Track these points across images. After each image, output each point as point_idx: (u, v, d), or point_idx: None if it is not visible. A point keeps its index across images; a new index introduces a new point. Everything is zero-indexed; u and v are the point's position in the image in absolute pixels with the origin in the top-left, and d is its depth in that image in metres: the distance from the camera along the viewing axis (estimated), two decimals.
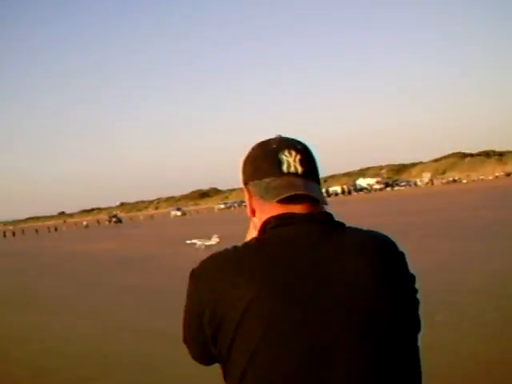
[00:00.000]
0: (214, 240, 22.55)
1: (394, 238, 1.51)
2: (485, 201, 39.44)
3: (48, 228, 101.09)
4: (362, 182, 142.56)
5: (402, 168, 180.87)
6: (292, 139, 1.55)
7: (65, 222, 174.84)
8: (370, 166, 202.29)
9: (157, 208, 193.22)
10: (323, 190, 1.71)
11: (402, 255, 1.49)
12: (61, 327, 10.98)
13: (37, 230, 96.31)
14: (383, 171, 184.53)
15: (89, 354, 8.48)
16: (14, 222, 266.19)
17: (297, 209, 1.45)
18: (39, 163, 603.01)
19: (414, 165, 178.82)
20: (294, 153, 1.47)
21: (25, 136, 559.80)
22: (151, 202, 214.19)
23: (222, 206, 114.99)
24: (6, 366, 8.29)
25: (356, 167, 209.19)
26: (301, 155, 1.49)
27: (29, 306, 13.96)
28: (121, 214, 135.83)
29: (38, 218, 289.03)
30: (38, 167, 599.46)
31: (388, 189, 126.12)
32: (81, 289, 16.22)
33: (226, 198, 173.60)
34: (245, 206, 1.56)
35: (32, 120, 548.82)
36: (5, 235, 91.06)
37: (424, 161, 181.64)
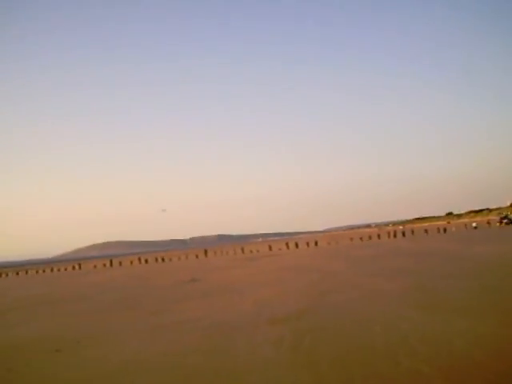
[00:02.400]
0: None
1: None
2: None
3: (438, 228, 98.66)
4: None
5: None
6: None
7: (448, 222, 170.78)
8: None
9: None
10: None
11: None
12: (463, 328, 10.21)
13: (426, 231, 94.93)
14: None
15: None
16: (403, 222, 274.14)
17: None
18: (428, 165, 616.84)
19: None
20: None
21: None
22: None
23: None
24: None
25: None
26: None
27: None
28: None
29: (424, 219, 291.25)
30: (425, 170, 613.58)
31: None
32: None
33: None
34: None
35: None
36: (395, 235, 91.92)
37: None
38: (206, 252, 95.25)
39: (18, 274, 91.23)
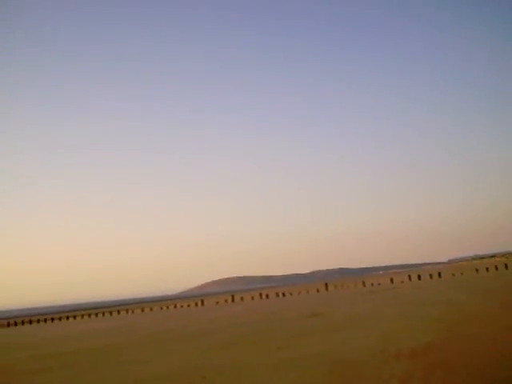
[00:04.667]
0: None
1: None
2: None
3: None
4: None
5: None
6: None
7: None
8: None
9: None
10: None
11: None
12: None
13: None
14: None
15: None
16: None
17: None
18: None
19: None
20: None
21: None
22: None
23: None
24: None
25: None
26: None
27: None
28: None
29: None
30: None
31: None
32: None
33: None
34: None
35: None
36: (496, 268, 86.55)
37: None
38: (326, 286, 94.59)
39: (143, 310, 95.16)
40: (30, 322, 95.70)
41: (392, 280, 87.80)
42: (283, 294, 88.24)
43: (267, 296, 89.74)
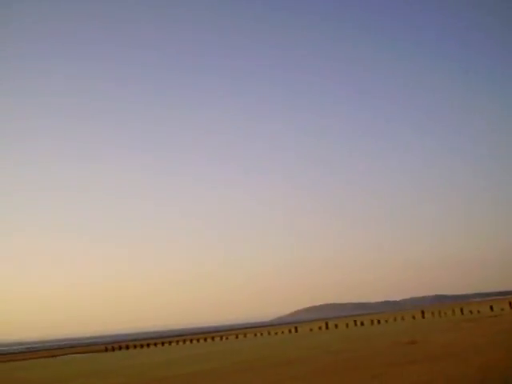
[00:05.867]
0: None
1: None
2: None
3: None
4: None
5: None
6: None
7: None
8: None
9: None
10: None
11: None
12: None
13: None
14: None
15: None
16: None
17: None
18: None
19: None
20: None
21: None
22: None
23: None
24: None
25: None
26: None
27: None
28: None
29: None
30: None
31: None
32: None
33: None
34: None
35: None
36: None
37: None
38: (423, 313, 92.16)
39: (237, 337, 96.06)
40: (127, 347, 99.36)
41: (492, 307, 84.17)
42: (378, 321, 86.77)
43: (362, 323, 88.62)
